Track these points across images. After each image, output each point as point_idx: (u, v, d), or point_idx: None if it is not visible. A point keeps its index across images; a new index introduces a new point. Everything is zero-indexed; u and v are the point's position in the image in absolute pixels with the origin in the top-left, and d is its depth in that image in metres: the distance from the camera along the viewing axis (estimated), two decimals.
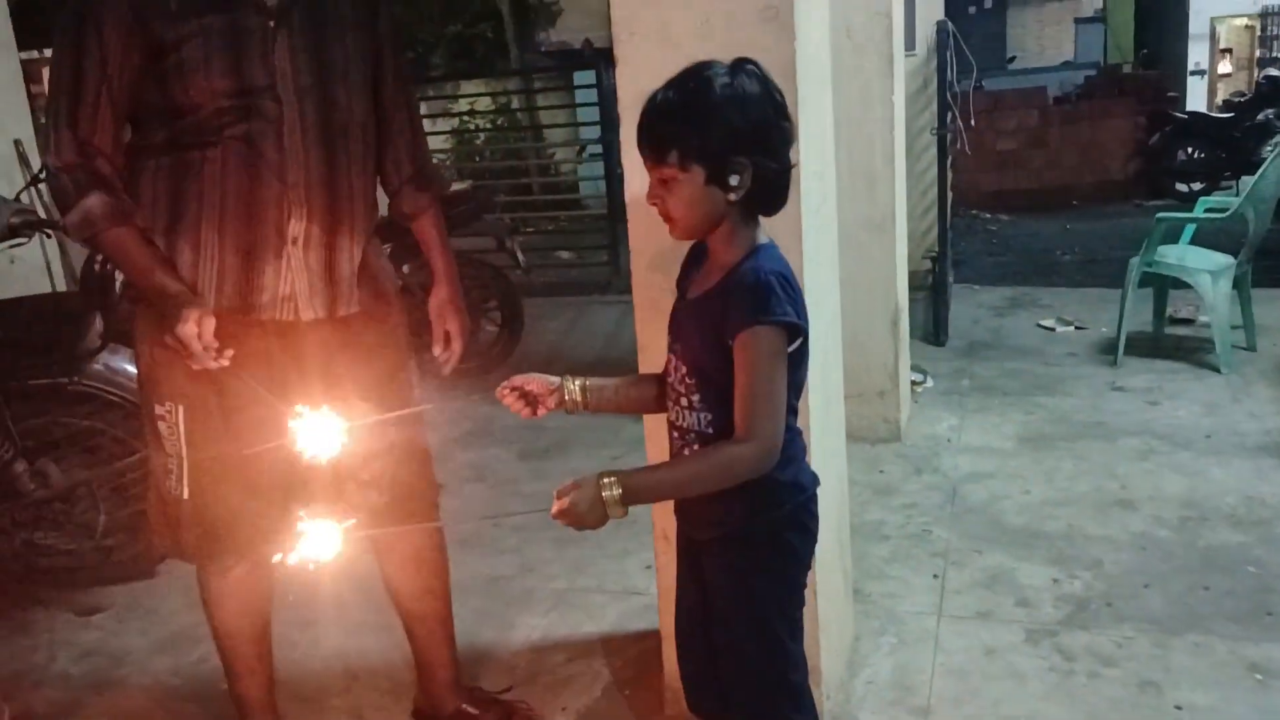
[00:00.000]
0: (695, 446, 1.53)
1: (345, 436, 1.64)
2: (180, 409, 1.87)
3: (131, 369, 2.90)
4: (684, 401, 1.54)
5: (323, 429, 1.62)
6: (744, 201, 1.45)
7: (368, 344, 1.99)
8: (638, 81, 1.99)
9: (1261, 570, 2.79)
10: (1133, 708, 2.25)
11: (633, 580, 2.93)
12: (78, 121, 1.74)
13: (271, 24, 1.78)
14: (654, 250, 2.09)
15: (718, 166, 1.41)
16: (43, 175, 3.50)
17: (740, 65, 1.46)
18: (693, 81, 1.43)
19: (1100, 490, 3.38)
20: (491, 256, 5.14)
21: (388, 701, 2.45)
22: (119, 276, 2.75)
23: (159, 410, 1.90)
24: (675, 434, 1.58)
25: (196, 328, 1.69)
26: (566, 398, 1.60)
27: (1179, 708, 2.23)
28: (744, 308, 1.42)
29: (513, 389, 1.59)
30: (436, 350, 2.12)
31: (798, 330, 1.45)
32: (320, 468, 1.93)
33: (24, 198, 3.67)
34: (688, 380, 1.52)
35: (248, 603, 2.08)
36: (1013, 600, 2.73)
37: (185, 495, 1.91)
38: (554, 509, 1.39)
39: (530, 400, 1.59)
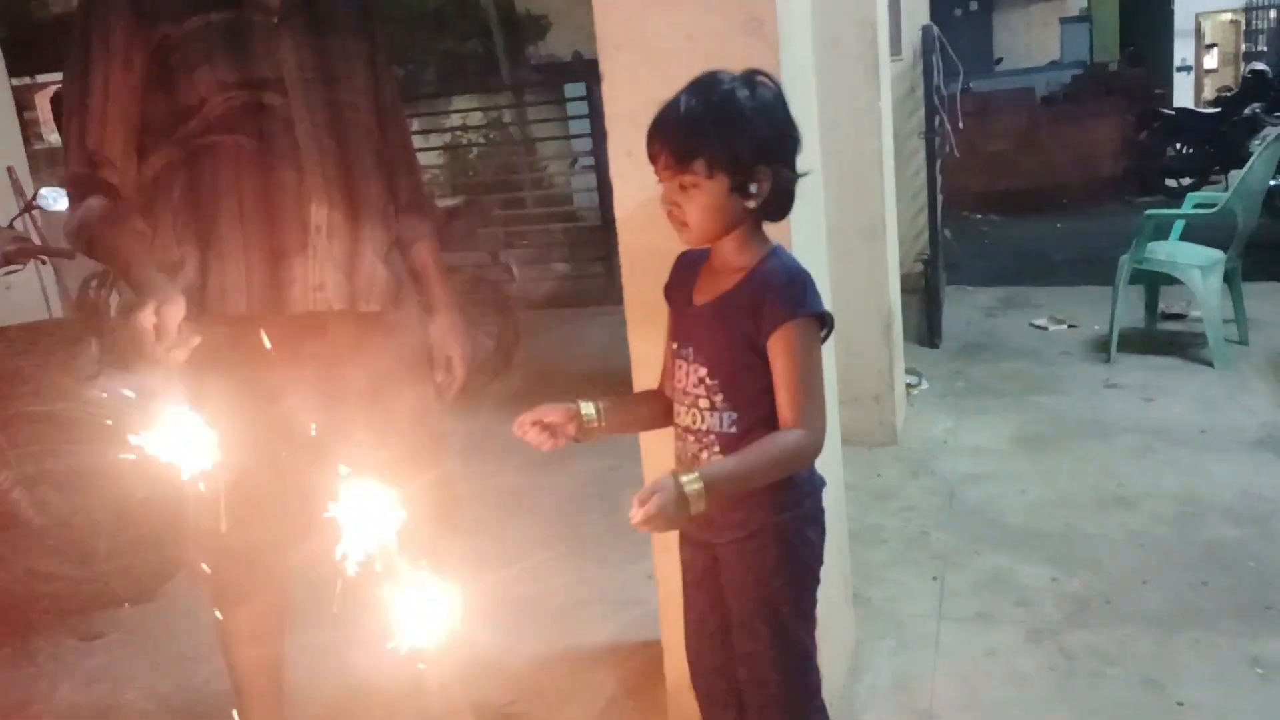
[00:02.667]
0: (717, 449, 1.55)
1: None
2: (214, 435, 1.83)
3: (128, 393, 2.93)
4: (702, 404, 1.55)
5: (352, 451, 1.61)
6: (759, 209, 1.50)
7: (388, 344, 1.99)
8: (622, 95, 2.01)
9: (1260, 565, 2.81)
10: (1135, 706, 2.26)
11: (634, 590, 2.93)
12: (86, 132, 1.77)
13: (275, 20, 1.81)
14: (643, 261, 2.10)
15: (742, 175, 1.46)
16: (36, 202, 3.54)
17: (753, 75, 1.50)
18: (716, 91, 1.46)
19: (1098, 489, 3.40)
20: (486, 271, 5.16)
21: (392, 718, 2.45)
22: (115, 302, 2.76)
23: None
24: (690, 438, 1.59)
25: (154, 317, 1.61)
26: (585, 423, 1.58)
27: (1181, 704, 2.24)
28: (782, 303, 1.48)
29: (532, 423, 1.57)
30: (439, 377, 2.12)
31: (828, 321, 1.52)
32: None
33: (18, 225, 3.69)
34: (708, 382, 1.54)
35: (265, 634, 2.08)
36: (1013, 601, 2.74)
37: (224, 528, 1.85)
38: (638, 517, 1.36)
39: (551, 431, 1.57)
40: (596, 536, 3.25)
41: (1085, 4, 14.48)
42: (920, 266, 5.43)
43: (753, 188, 1.47)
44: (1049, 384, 4.53)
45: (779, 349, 1.48)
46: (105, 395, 2.80)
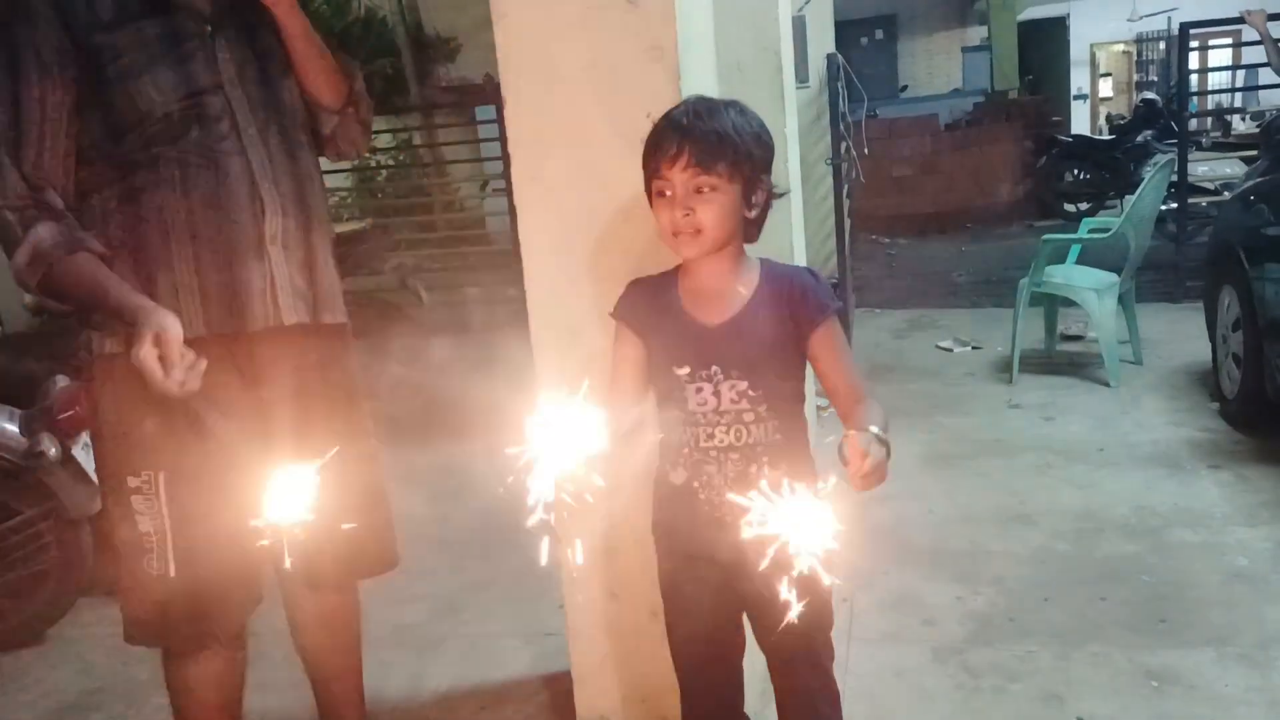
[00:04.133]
0: (765, 459, 1.56)
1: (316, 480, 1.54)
2: (160, 476, 1.73)
3: (10, 427, 2.79)
4: (747, 417, 1.57)
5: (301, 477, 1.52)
6: (750, 222, 1.56)
7: (342, 362, 1.96)
8: (526, 121, 2.00)
9: (1155, 578, 2.89)
10: None
11: (545, 622, 2.89)
12: (21, 154, 1.66)
13: (209, 28, 1.76)
14: (550, 289, 2.09)
15: (750, 186, 1.52)
16: None
17: (737, 102, 1.58)
18: (724, 106, 1.54)
19: (1001, 507, 3.47)
20: (393, 296, 5.07)
21: None
22: None
23: (132, 482, 1.74)
24: (733, 456, 1.57)
25: (155, 349, 1.56)
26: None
27: (1080, 719, 2.28)
28: (819, 299, 1.57)
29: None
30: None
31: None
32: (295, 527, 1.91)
33: None
34: (750, 394, 1.56)
35: (226, 690, 1.93)
36: (919, 620, 2.77)
37: (171, 573, 1.75)
38: (867, 481, 1.35)
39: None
40: (507, 567, 3.19)
41: (986, 34, 14.95)
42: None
43: (754, 198, 1.54)
44: (954, 404, 4.63)
45: (825, 341, 1.57)
46: None
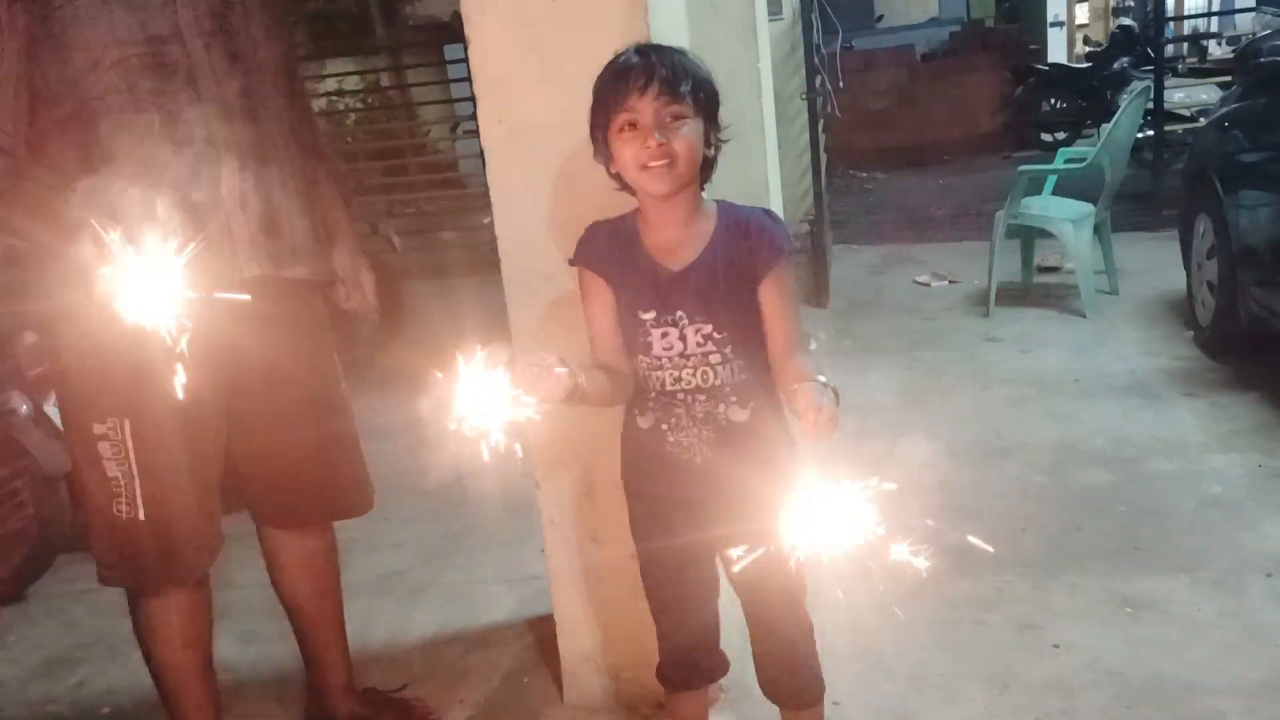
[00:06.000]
0: (734, 399, 1.58)
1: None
2: (126, 423, 1.74)
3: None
4: (713, 359, 1.57)
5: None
6: (706, 165, 1.56)
7: (311, 313, 1.95)
8: (491, 61, 1.95)
9: (1130, 507, 2.93)
10: (1014, 649, 2.33)
11: (529, 566, 2.90)
12: None
13: None
14: (520, 231, 2.06)
15: (709, 124, 1.53)
16: None
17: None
18: (677, 48, 1.55)
19: (978, 440, 3.49)
20: (366, 242, 5.00)
21: (279, 710, 2.38)
22: None
23: (99, 429, 1.75)
24: (701, 398, 1.58)
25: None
26: (571, 381, 1.44)
27: (1057, 646, 2.32)
28: (776, 241, 1.57)
29: (532, 365, 1.42)
30: (350, 302, 2.08)
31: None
32: (259, 467, 1.95)
33: None
34: (716, 336, 1.56)
35: (194, 630, 1.95)
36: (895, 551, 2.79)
37: (141, 516, 1.78)
38: (822, 428, 1.35)
39: (545, 374, 1.42)
40: (488, 513, 3.20)
41: None
42: (806, 227, 5.49)
43: (712, 137, 1.54)
44: (932, 339, 4.64)
45: (774, 287, 1.56)
46: None
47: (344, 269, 2.06)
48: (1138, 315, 4.64)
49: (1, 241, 1.84)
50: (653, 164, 1.48)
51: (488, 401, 1.35)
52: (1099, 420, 3.54)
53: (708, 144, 1.53)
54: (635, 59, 1.49)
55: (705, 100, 1.51)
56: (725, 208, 1.61)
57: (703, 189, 1.61)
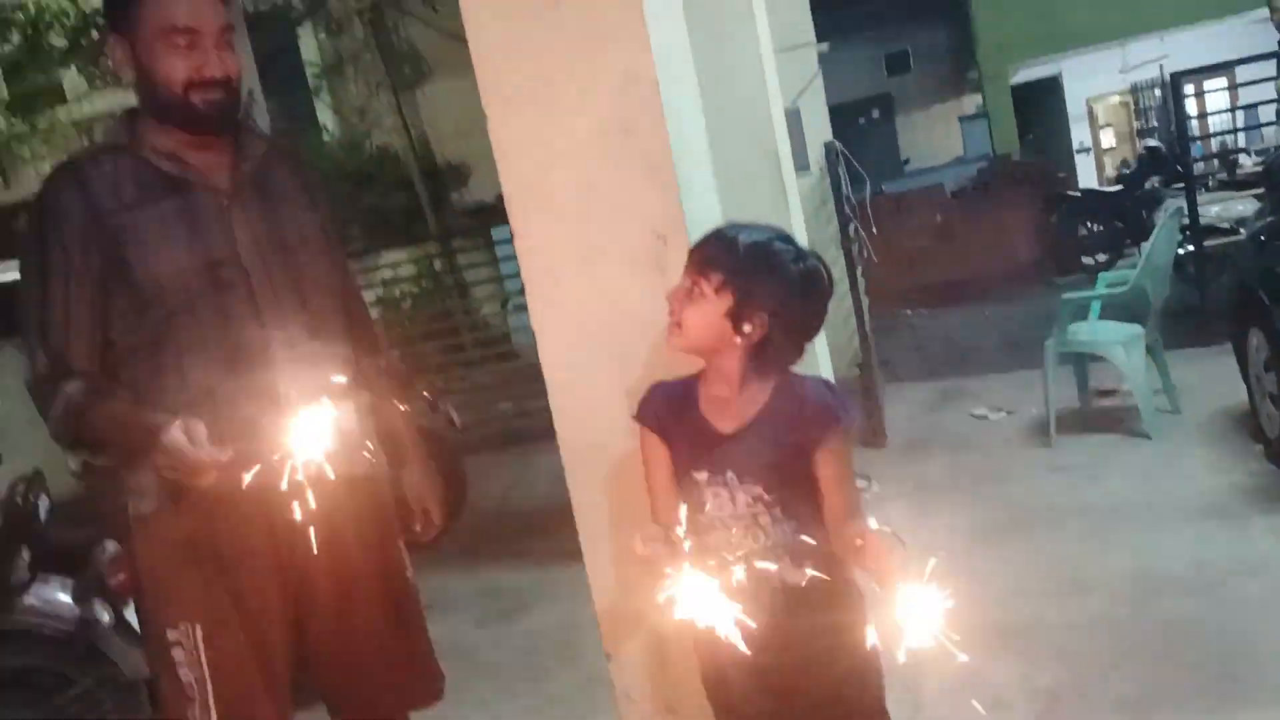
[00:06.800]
0: (787, 559, 1.59)
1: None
2: (197, 629, 1.81)
3: (64, 598, 2.84)
4: (762, 520, 1.61)
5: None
6: (753, 349, 1.58)
7: (370, 507, 1.98)
8: (536, 247, 2.04)
9: (1220, 635, 2.82)
10: None
11: None
12: (48, 334, 1.76)
13: (225, 202, 1.83)
14: (575, 409, 2.12)
15: (744, 311, 1.56)
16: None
17: (815, 254, 1.65)
18: (772, 236, 1.62)
19: (1055, 576, 3.41)
20: (426, 420, 5.13)
21: None
22: (44, 506, 2.70)
23: (172, 635, 1.82)
24: (753, 560, 1.58)
25: (183, 434, 1.62)
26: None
27: None
28: (825, 418, 1.61)
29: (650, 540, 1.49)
30: (417, 527, 2.13)
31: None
32: (330, 662, 1.97)
33: None
34: (765, 498, 1.60)
35: None
36: (988, 702, 2.70)
37: (214, 719, 1.82)
38: (885, 569, 1.40)
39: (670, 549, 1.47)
40: (562, 689, 3.16)
41: (981, 101, 15.23)
42: (856, 371, 5.53)
43: (746, 327, 1.57)
44: (996, 474, 4.58)
45: (829, 457, 1.60)
46: (39, 604, 2.71)
47: (412, 494, 2.12)
48: (1203, 433, 4.56)
49: (80, 457, 1.94)
50: (670, 320, 1.61)
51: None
52: (1176, 546, 3.45)
53: (738, 328, 1.57)
54: (716, 230, 1.64)
55: (743, 288, 1.56)
56: (786, 378, 1.66)
57: (768, 368, 1.64)
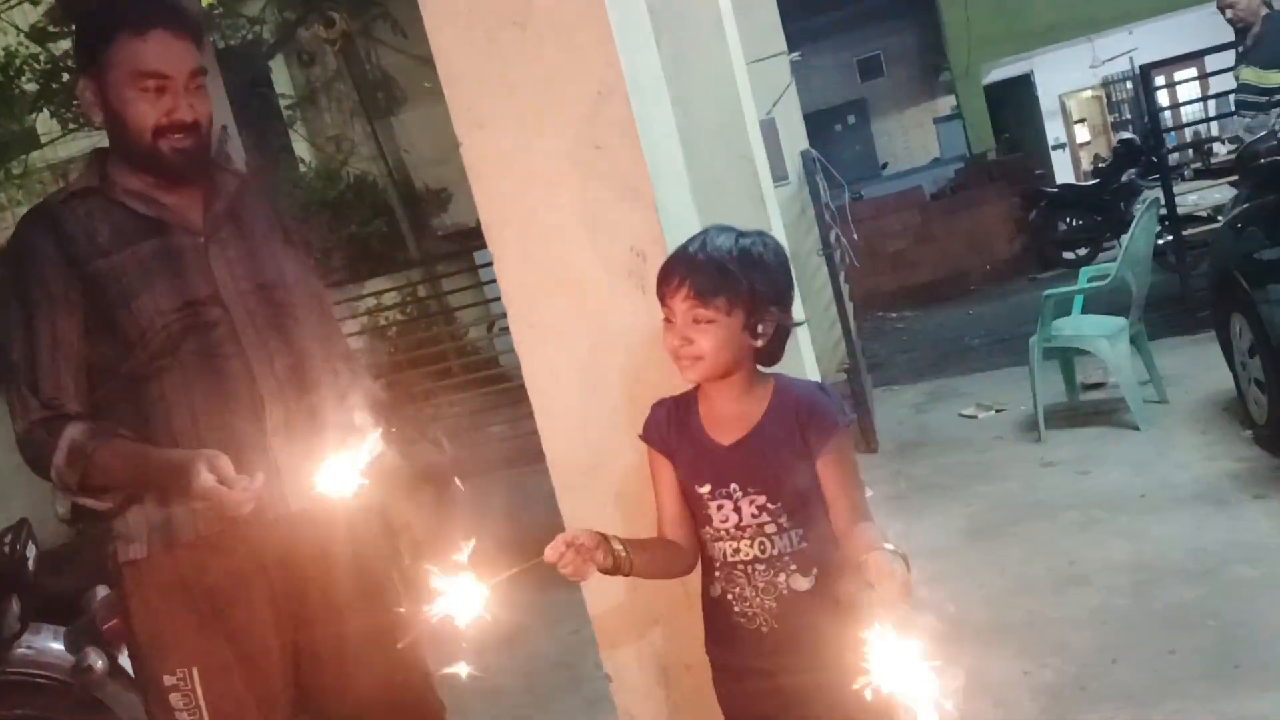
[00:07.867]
0: (794, 567, 1.60)
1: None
2: (195, 673, 1.79)
3: (56, 646, 2.81)
4: (769, 529, 1.60)
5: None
6: (759, 350, 1.60)
7: (363, 535, 1.96)
8: (513, 270, 2.04)
9: (1221, 621, 2.82)
10: None
11: None
12: (37, 380, 1.75)
13: (201, 241, 1.83)
14: (561, 430, 2.11)
15: (755, 316, 1.57)
16: None
17: (762, 233, 1.65)
18: (738, 238, 1.60)
19: (1052, 570, 3.41)
20: (416, 449, 5.10)
21: None
22: (32, 554, 2.67)
23: (169, 681, 1.80)
24: (760, 568, 1.61)
25: (210, 474, 1.63)
26: (616, 554, 1.55)
27: None
28: (827, 417, 1.61)
29: (566, 544, 1.53)
30: (406, 560, 2.10)
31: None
32: (332, 699, 1.94)
33: None
34: (770, 508, 1.60)
35: None
36: (989, 700, 2.70)
37: None
38: (889, 590, 1.37)
39: (583, 555, 1.52)
40: (568, 713, 3.14)
41: (955, 102, 15.34)
42: (844, 376, 5.53)
43: (760, 328, 1.58)
44: (987, 472, 4.58)
45: (831, 461, 1.59)
46: (32, 653, 2.68)
47: (402, 522, 2.11)
48: (1192, 420, 4.58)
49: (70, 500, 1.93)
50: (681, 358, 1.58)
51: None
52: (1172, 534, 3.45)
53: (754, 335, 1.58)
54: (677, 259, 1.60)
55: (751, 296, 1.56)
56: (781, 384, 1.67)
57: (765, 366, 1.67)
